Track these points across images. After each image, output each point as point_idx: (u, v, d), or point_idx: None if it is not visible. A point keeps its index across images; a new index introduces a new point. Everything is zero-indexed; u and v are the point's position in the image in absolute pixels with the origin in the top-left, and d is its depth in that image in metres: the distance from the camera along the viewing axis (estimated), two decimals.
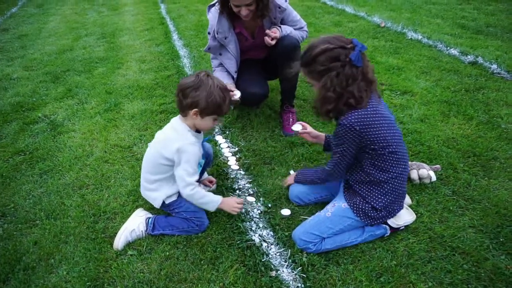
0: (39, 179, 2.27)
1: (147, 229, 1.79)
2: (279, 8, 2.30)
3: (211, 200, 1.75)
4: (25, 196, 2.14)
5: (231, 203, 1.80)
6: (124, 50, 4.48)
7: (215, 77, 1.67)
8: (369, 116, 1.52)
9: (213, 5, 2.40)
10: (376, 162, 1.60)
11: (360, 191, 1.68)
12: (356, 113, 1.51)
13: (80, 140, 2.65)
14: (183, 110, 1.68)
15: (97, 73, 3.84)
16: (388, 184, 1.63)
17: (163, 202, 1.81)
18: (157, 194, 1.80)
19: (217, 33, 2.34)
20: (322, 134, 2.01)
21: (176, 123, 1.74)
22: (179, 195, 1.81)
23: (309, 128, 2.01)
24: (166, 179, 1.77)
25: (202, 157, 1.81)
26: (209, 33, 2.40)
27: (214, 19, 2.34)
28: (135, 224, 1.79)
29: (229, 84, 2.39)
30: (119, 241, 1.74)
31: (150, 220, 1.81)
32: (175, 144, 1.64)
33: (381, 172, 1.61)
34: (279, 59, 2.37)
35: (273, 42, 2.29)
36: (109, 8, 6.80)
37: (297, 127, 2.02)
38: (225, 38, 2.37)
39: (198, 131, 1.76)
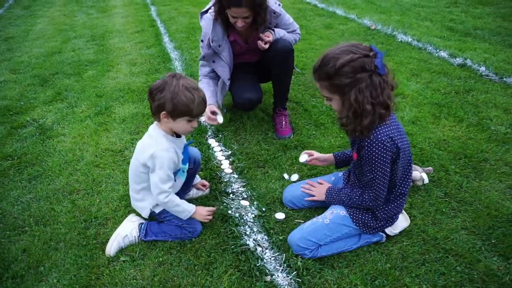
0: (27, 185, 2.22)
1: (139, 234, 1.77)
2: (274, 13, 2.29)
3: (185, 209, 1.72)
4: (14, 202, 2.09)
5: (203, 213, 1.78)
6: (115, 53, 4.43)
7: (184, 77, 1.60)
8: (393, 131, 1.45)
9: (206, 11, 2.36)
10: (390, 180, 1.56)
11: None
12: (382, 129, 1.44)
13: (70, 145, 2.60)
14: (154, 114, 1.62)
15: (87, 76, 3.79)
16: (397, 200, 1.63)
17: (153, 212, 1.78)
18: (144, 204, 1.78)
19: (212, 41, 2.30)
20: (330, 155, 1.95)
21: (152, 129, 1.70)
22: None
23: (316, 154, 1.96)
24: (149, 187, 1.72)
25: (184, 162, 1.76)
26: (202, 41, 2.36)
27: (208, 26, 2.29)
28: (128, 229, 1.76)
29: (212, 105, 2.33)
30: (111, 247, 1.71)
31: (143, 225, 1.78)
32: (149, 150, 1.61)
33: (392, 189, 1.59)
34: (272, 62, 2.37)
35: (267, 46, 2.28)
36: (98, 10, 6.73)
37: (303, 157, 1.96)
38: (219, 46, 2.34)
39: (178, 136, 1.72)
